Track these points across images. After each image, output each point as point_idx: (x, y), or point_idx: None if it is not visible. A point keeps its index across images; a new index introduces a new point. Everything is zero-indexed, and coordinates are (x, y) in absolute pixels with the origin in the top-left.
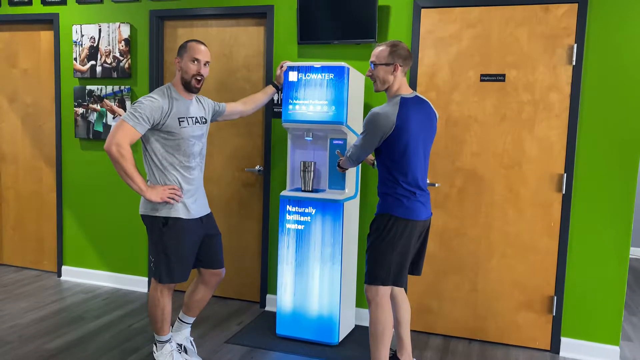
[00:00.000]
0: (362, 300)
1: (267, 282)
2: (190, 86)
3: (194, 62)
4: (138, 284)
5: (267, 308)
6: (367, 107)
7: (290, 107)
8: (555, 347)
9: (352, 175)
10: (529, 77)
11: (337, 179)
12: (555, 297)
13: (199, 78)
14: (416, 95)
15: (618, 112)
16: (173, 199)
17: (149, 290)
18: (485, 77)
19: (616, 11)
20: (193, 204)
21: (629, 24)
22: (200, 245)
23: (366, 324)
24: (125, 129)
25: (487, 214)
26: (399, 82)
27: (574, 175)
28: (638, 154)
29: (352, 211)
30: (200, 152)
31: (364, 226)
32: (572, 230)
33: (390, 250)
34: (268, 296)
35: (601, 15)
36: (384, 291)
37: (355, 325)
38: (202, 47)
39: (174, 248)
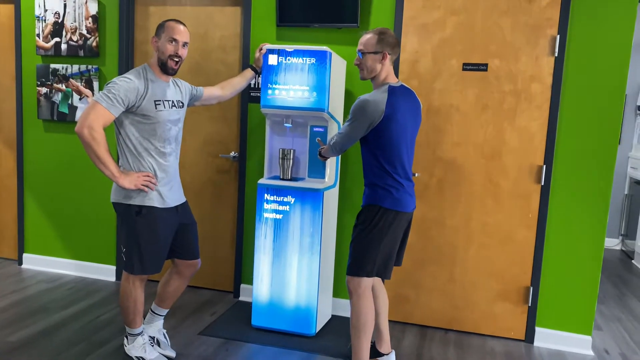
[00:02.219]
0: (339, 291)
1: (242, 271)
2: (166, 67)
3: (171, 42)
4: (105, 272)
5: (242, 298)
6: (348, 94)
7: (270, 92)
8: (529, 337)
9: (332, 163)
10: (512, 67)
11: (317, 168)
12: (532, 288)
13: (176, 59)
14: (402, 85)
15: (598, 105)
16: (147, 186)
17: (118, 279)
18: (467, 66)
19: (599, 3)
20: (168, 192)
21: (611, 16)
22: (175, 235)
23: (343, 314)
24: (98, 110)
25: (466, 204)
26: (387, 71)
27: (552, 167)
28: (615, 147)
29: (331, 200)
30: (176, 137)
31: (343, 215)
32: (549, 222)
33: (377, 242)
34: (242, 286)
35: (584, 7)
36: (367, 283)
37: (332, 315)
38: (182, 27)
39: (147, 238)
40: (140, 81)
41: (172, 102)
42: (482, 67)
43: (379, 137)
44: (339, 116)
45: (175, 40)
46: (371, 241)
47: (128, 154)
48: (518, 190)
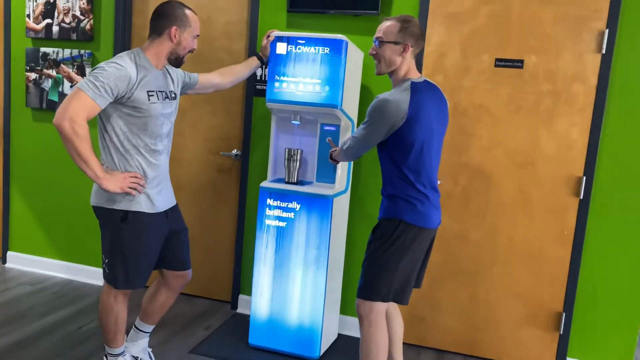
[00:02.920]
0: (347, 308)
1: (240, 281)
2: (181, 61)
3: (194, 38)
4: (94, 275)
5: (239, 310)
6: (364, 90)
7: (277, 84)
8: None
9: (344, 167)
10: (551, 64)
11: (327, 171)
12: (564, 314)
13: (190, 53)
14: (425, 80)
15: None
16: (135, 189)
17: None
18: (501, 62)
19: None
20: (158, 195)
21: None
22: (164, 243)
23: (351, 333)
24: (82, 100)
25: (493, 216)
26: (408, 65)
27: (594, 178)
28: None
29: (341, 208)
30: (168, 133)
31: (353, 225)
32: (587, 240)
33: (395, 261)
34: (241, 297)
35: None
36: (380, 308)
37: (339, 334)
38: (198, 19)
39: (133, 248)
40: (132, 68)
41: (165, 93)
42: (517, 64)
43: (400, 141)
44: (353, 114)
45: (197, 36)
46: (388, 260)
47: (113, 152)
48: (552, 203)
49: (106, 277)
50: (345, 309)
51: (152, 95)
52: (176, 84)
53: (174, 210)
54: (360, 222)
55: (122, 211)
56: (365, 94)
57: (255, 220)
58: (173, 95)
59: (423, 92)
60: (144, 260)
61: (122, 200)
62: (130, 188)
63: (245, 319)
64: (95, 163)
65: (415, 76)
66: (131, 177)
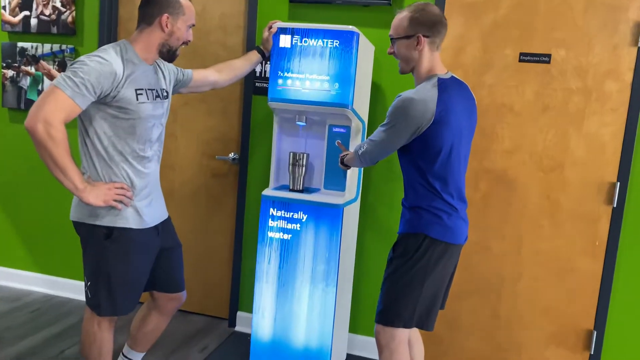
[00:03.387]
0: (357, 326)
1: (239, 296)
2: (174, 55)
3: (189, 28)
4: (78, 290)
5: (238, 328)
6: (375, 88)
7: (280, 81)
8: None
9: (354, 172)
10: (581, 59)
11: (336, 177)
12: (595, 332)
13: (184, 45)
14: (452, 76)
15: None
16: (121, 202)
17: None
18: (525, 57)
19: None
20: (147, 209)
21: None
22: (155, 262)
23: (360, 353)
24: (59, 99)
25: (517, 226)
26: (429, 59)
27: (628, 184)
28: None
29: (351, 218)
30: (159, 137)
31: (363, 236)
32: (620, 252)
33: (419, 282)
34: (239, 314)
35: None
36: (403, 335)
37: (347, 354)
38: (193, 7)
39: (120, 269)
40: (118, 62)
41: (156, 91)
42: (543, 58)
43: (426, 146)
44: (364, 114)
45: (193, 25)
46: (411, 281)
47: (96, 159)
48: (582, 211)
49: (89, 302)
50: (354, 327)
51: (141, 94)
52: (168, 81)
53: (165, 224)
54: (371, 233)
55: (106, 228)
56: (376, 92)
57: (254, 230)
58: (165, 94)
59: (451, 89)
60: (132, 283)
61: (107, 215)
62: (115, 201)
63: (244, 339)
64: (74, 172)
65: (441, 71)
66: (117, 188)
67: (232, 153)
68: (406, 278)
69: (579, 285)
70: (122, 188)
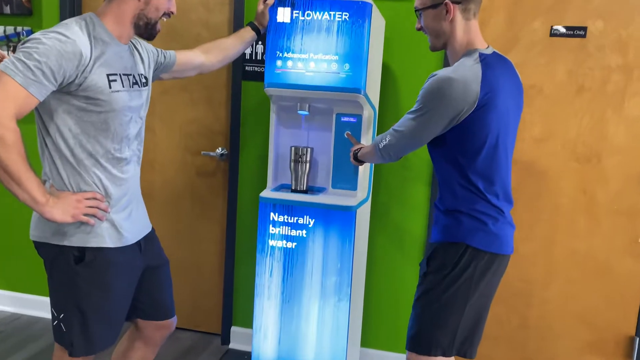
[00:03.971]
0: (368, 339)
1: (233, 309)
2: (153, 31)
3: None
4: (47, 307)
5: (233, 345)
6: (385, 71)
7: (279, 63)
8: None
9: (366, 168)
10: (621, 31)
11: (346, 175)
12: (638, 339)
13: (166, 19)
14: (495, 52)
15: None
16: (94, 216)
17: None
18: (557, 31)
19: None
20: (127, 221)
21: None
22: (137, 285)
23: None
24: (8, 89)
25: (549, 223)
26: (464, 30)
27: None
28: None
29: (363, 222)
30: (138, 133)
31: (374, 241)
32: None
33: (461, 302)
34: (234, 329)
35: None
36: None
37: None
38: None
39: (96, 299)
40: (83, 41)
41: (133, 77)
42: (578, 32)
43: (467, 136)
44: (375, 101)
45: None
46: (452, 302)
47: (60, 163)
48: (623, 205)
49: (58, 339)
50: (366, 341)
51: (115, 81)
52: (147, 64)
53: (149, 239)
54: (382, 236)
55: (76, 249)
56: (386, 75)
57: (248, 236)
58: (144, 80)
59: (496, 66)
60: (112, 314)
61: (76, 233)
62: (87, 215)
63: (241, 358)
64: (32, 182)
65: (482, 46)
66: (88, 199)
67: (220, 148)
68: (445, 297)
69: (618, 288)
70: (94, 199)
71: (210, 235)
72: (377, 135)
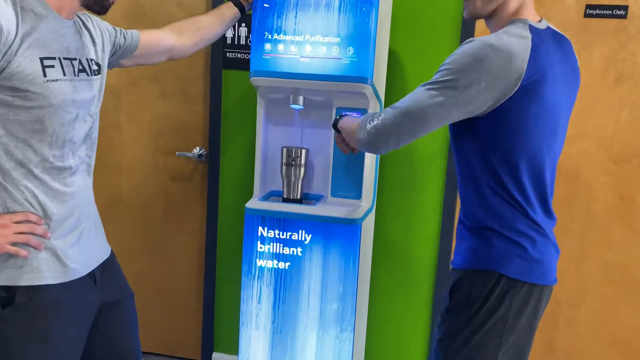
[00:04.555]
0: None
1: (214, 333)
2: (104, 1)
3: None
4: None
5: None
6: (392, 57)
7: (268, 46)
8: None
9: (371, 171)
10: None
11: (348, 181)
12: None
13: None
14: (549, 26)
15: None
16: (27, 244)
17: None
18: (593, 10)
19: None
20: (73, 249)
21: None
22: (92, 326)
23: None
24: None
25: (580, 233)
26: None
27: None
28: None
29: (367, 236)
30: (88, 136)
31: (376, 256)
32: None
33: (495, 346)
34: (215, 356)
35: None
36: None
37: None
38: None
39: (31, 354)
40: (6, 11)
41: (79, 63)
42: (617, 12)
43: (501, 128)
44: (382, 94)
45: None
46: (483, 345)
47: None
48: None
49: None
50: None
51: (52, 67)
52: (100, 47)
53: (107, 267)
54: (383, 251)
55: (3, 288)
56: (393, 62)
57: (231, 249)
58: (95, 67)
59: (550, 45)
60: None
61: (3, 267)
62: (16, 245)
63: None
64: None
65: (534, 18)
66: (17, 222)
67: (198, 148)
68: (475, 340)
69: None
70: (27, 221)
71: (186, 249)
72: None
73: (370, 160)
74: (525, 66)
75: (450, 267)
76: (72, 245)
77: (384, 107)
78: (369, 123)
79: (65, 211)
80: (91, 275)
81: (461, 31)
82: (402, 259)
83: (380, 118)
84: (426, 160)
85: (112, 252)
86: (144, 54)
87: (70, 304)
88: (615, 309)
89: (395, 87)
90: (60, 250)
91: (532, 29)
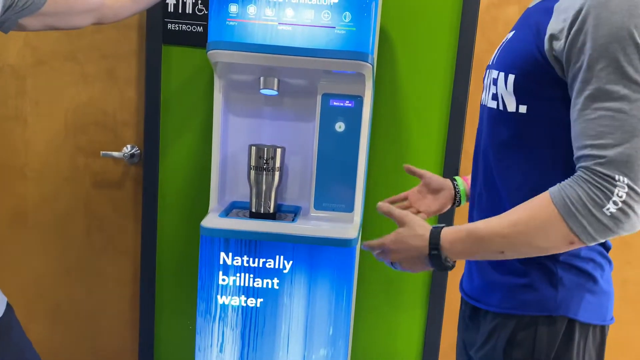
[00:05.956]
0: None
1: None
2: None
3: None
4: None
5: None
6: (384, 34)
7: (234, 8)
8: None
9: (363, 177)
10: None
11: (336, 189)
12: None
13: None
14: None
15: None
16: None
17: None
18: None
19: None
20: None
21: None
22: None
23: None
24: None
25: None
26: None
27: None
28: None
29: (357, 257)
30: None
31: (363, 274)
32: None
33: None
34: None
35: None
36: None
37: None
38: None
39: None
40: None
41: None
42: None
43: None
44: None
45: None
46: None
47: None
48: None
49: None
50: None
51: None
52: None
53: (2, 329)
54: (371, 267)
55: None
56: (385, 42)
57: (173, 273)
58: None
59: None
60: None
61: None
62: None
63: None
64: None
65: None
66: None
67: (129, 146)
68: None
69: None
70: None
71: (117, 273)
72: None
73: (364, 163)
74: None
75: (471, 304)
76: None
77: (376, 100)
78: (601, 206)
79: None
80: None
81: (462, 3)
82: (388, 282)
83: (621, 182)
84: (420, 165)
85: (8, 307)
86: (58, 12)
87: None
88: (633, 331)
89: (384, 72)
90: None
91: None
